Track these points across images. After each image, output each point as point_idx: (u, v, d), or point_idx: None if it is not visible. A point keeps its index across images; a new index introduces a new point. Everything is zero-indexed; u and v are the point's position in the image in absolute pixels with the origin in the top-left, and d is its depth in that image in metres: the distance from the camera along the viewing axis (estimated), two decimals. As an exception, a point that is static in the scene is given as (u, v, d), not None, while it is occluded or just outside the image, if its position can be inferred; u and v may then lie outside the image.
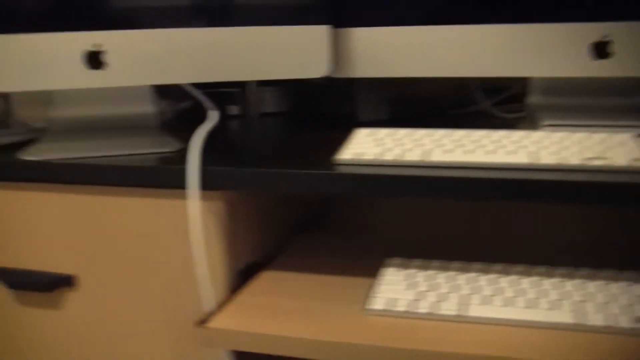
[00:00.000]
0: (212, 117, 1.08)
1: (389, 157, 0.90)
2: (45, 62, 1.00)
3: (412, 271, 0.96)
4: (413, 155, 0.90)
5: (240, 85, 1.39)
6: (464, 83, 1.31)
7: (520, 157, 0.87)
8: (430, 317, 0.87)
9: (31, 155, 1.04)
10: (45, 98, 1.22)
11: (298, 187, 0.89)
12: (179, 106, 1.34)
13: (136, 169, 0.96)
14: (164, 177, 0.95)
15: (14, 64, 1.00)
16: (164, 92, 1.26)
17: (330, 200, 1.30)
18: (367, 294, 0.94)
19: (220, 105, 1.33)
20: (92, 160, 1.00)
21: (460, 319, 0.86)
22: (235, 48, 1.03)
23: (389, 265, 0.98)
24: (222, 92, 1.34)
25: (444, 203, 1.23)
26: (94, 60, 1.01)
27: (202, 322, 0.89)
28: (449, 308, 0.87)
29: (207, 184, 0.93)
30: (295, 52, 1.04)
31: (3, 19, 0.99)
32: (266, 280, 1.01)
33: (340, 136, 1.08)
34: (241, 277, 1.01)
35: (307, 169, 0.89)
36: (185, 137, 1.10)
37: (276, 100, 1.40)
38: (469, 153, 0.90)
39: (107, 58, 1.01)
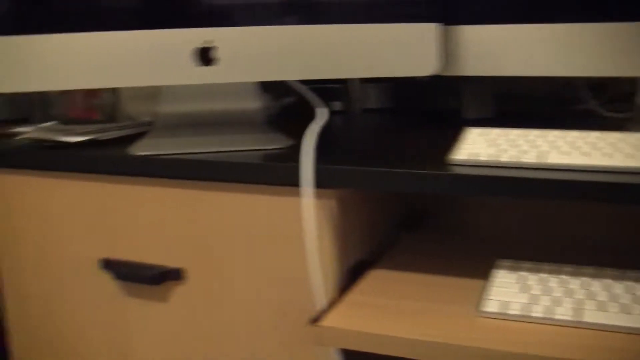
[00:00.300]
0: (322, 115, 1.08)
1: (505, 158, 0.89)
2: (157, 58, 1.01)
3: (523, 274, 0.95)
4: (529, 157, 0.89)
5: (343, 81, 1.38)
6: (569, 81, 1.28)
7: (639, 161, 0.85)
8: (545, 321, 0.85)
9: (142, 150, 1.05)
10: (151, 93, 1.24)
11: (415, 187, 0.88)
12: (282, 102, 1.34)
13: (250, 165, 0.97)
14: (277, 174, 0.95)
15: (126, 60, 1.01)
16: (266, 87, 1.26)
17: (434, 198, 1.29)
18: (477, 296, 0.94)
19: (323, 101, 1.33)
20: (204, 156, 1.01)
21: (575, 325, 0.84)
22: (344, 45, 1.03)
23: (500, 267, 0.97)
24: (323, 88, 1.34)
25: (552, 204, 1.21)
26: (205, 56, 1.02)
27: (315, 320, 0.89)
28: (564, 313, 0.85)
29: (320, 181, 0.93)
30: (404, 49, 1.03)
31: (116, 17, 1.01)
32: (375, 279, 1.01)
33: (448, 134, 1.08)
34: (349, 275, 1.01)
35: (422, 169, 0.88)
36: (291, 133, 1.11)
37: (379, 97, 1.40)
38: (585, 155, 0.88)
39: (217, 54, 1.02)
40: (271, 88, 1.33)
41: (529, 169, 0.88)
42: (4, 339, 1.25)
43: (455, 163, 0.91)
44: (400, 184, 0.89)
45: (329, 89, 1.38)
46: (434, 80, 1.30)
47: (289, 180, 0.95)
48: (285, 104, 1.35)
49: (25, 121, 1.49)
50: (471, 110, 1.24)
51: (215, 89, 1.12)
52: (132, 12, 1.01)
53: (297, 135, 1.09)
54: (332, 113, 1.38)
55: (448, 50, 1.07)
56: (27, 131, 1.18)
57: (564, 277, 0.94)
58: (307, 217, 0.94)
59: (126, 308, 1.12)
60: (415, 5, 1.03)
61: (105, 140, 1.14)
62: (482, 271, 1.01)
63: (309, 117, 1.15)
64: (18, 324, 1.23)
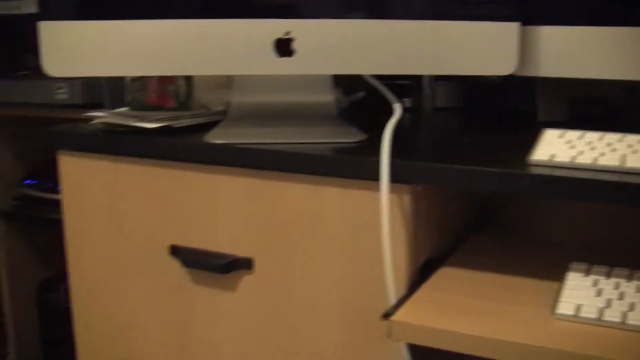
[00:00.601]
0: (397, 110, 1.08)
1: (584, 160, 0.89)
2: (239, 47, 1.02)
3: (597, 277, 0.94)
4: (609, 160, 0.88)
5: (413, 78, 1.38)
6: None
7: None
8: (620, 326, 0.84)
9: (217, 138, 1.06)
10: (224, 82, 1.25)
11: (494, 186, 0.88)
12: (355, 96, 1.34)
13: (328, 158, 0.97)
14: (353, 167, 0.96)
15: (207, 48, 1.02)
16: (336, 81, 1.26)
17: (507, 198, 1.29)
18: (551, 298, 0.93)
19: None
20: (279, 146, 1.01)
21: (654, 332, 0.84)
22: (423, 41, 1.02)
23: (574, 270, 0.96)
24: (393, 85, 1.34)
25: (628, 209, 1.20)
26: (284, 47, 1.03)
27: (386, 315, 0.89)
28: (639, 319, 0.84)
29: (396, 176, 0.93)
30: (484, 48, 1.03)
31: (199, 5, 1.02)
32: (446, 277, 1.01)
33: (524, 135, 1.07)
34: (420, 272, 1.01)
35: (502, 168, 0.88)
36: (362, 127, 1.11)
37: (449, 95, 1.40)
38: (667, 161, 0.87)
39: (296, 46, 1.03)
40: (341, 82, 1.34)
41: (607, 172, 0.87)
42: (70, 324, 1.27)
43: (534, 164, 0.90)
44: (480, 183, 0.89)
45: (399, 86, 1.37)
46: (506, 81, 1.30)
47: (365, 174, 0.95)
48: (355, 99, 1.35)
49: (99, 106, 1.52)
50: (546, 113, 1.23)
51: (290, 81, 1.12)
52: (214, 1, 1.02)
53: (369, 129, 1.10)
54: (403, 110, 1.38)
55: (524, 51, 1.07)
56: (101, 116, 1.19)
57: (639, 282, 0.93)
58: (384, 211, 0.94)
59: (192, 296, 1.13)
60: (496, 4, 1.02)
61: (178, 128, 1.15)
62: (555, 273, 1.00)
63: (379, 112, 1.15)
64: (83, 309, 1.25)
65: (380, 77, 1.19)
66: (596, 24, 1.04)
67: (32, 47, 1.12)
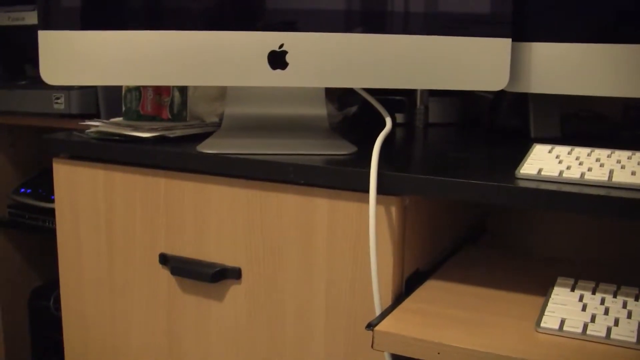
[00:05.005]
0: (388, 124, 1.09)
1: (572, 175, 0.89)
2: (232, 59, 1.03)
3: (584, 292, 0.94)
4: (596, 174, 0.89)
5: (406, 94, 1.39)
6: (638, 103, 1.27)
7: None
8: (604, 341, 0.85)
9: (209, 148, 1.07)
10: (219, 94, 1.26)
11: (478, 197, 0.89)
12: (348, 110, 1.35)
13: (316, 169, 0.98)
14: (341, 179, 0.96)
15: (202, 60, 1.03)
16: (329, 96, 1.27)
17: (497, 213, 1.29)
18: (536, 312, 0.93)
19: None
20: (270, 157, 1.02)
21: (635, 347, 0.83)
22: (415, 56, 1.03)
23: (561, 285, 0.96)
24: (386, 100, 1.34)
25: (615, 223, 1.20)
26: (278, 60, 1.03)
27: (372, 325, 0.89)
28: (626, 334, 0.84)
29: (385, 188, 0.94)
30: (476, 63, 1.04)
31: (195, 17, 1.02)
32: (433, 289, 1.01)
33: (515, 150, 1.08)
34: (407, 283, 1.01)
35: (488, 180, 0.88)
36: (354, 141, 1.11)
37: (442, 111, 1.40)
38: (653, 176, 0.88)
39: (289, 58, 1.03)
40: (334, 96, 1.34)
41: (595, 187, 0.87)
42: (61, 332, 1.27)
43: (522, 177, 0.91)
44: (465, 195, 0.89)
45: (393, 101, 1.38)
46: (500, 97, 1.30)
47: (353, 185, 0.96)
48: (348, 113, 1.36)
49: (95, 116, 1.53)
50: (538, 129, 1.23)
51: (284, 93, 1.13)
52: (209, 13, 1.03)
53: (360, 143, 1.10)
54: (396, 125, 1.38)
55: (516, 67, 1.07)
56: (96, 125, 1.20)
57: (624, 298, 0.93)
58: (370, 222, 0.94)
59: (181, 304, 1.13)
60: (488, 20, 1.03)
61: (172, 138, 1.16)
62: (542, 288, 1.00)
63: (372, 126, 1.16)
64: (72, 316, 1.25)
65: (374, 93, 1.19)
66: (588, 41, 1.05)
67: (32, 57, 1.13)
